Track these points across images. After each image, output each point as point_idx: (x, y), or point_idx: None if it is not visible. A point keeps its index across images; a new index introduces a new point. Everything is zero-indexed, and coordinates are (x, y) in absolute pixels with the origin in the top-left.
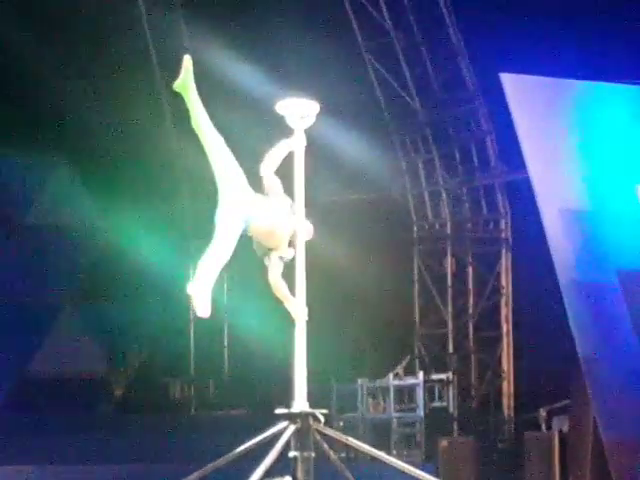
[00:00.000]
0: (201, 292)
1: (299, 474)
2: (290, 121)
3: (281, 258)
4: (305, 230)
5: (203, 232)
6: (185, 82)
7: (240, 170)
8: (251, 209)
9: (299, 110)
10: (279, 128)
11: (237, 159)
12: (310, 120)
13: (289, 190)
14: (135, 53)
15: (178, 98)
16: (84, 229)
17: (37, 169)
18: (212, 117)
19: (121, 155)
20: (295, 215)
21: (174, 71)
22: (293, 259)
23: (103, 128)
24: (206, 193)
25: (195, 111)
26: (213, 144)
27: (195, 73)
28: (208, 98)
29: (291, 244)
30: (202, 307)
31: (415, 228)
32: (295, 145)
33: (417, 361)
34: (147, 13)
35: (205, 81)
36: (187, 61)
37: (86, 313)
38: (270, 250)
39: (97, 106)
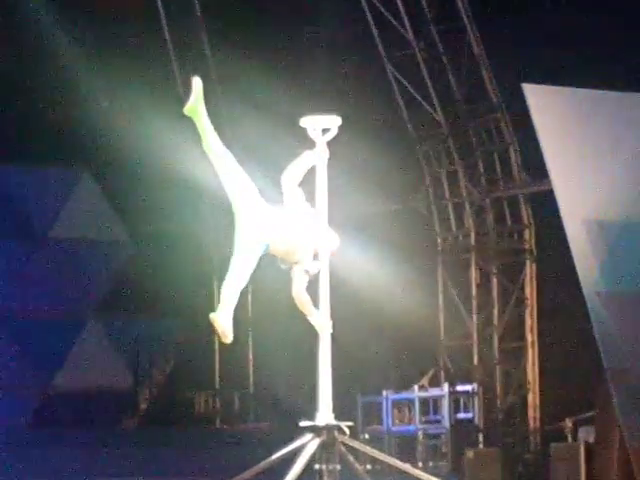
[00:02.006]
0: (224, 319)
1: None
2: (312, 134)
3: (306, 272)
4: (331, 240)
5: (226, 247)
6: (195, 105)
7: (255, 190)
8: (269, 230)
9: (321, 123)
10: (304, 141)
11: (262, 172)
12: (332, 133)
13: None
14: (160, 73)
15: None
16: (109, 242)
17: (62, 182)
18: (237, 130)
19: (146, 169)
20: (318, 227)
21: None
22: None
23: (128, 142)
24: (228, 209)
25: (206, 134)
26: (225, 166)
27: (220, 89)
28: (233, 112)
29: (316, 257)
30: (225, 333)
31: (439, 240)
32: (318, 158)
33: (442, 373)
34: (172, 41)
35: (230, 95)
36: (197, 84)
37: (111, 327)
38: (294, 264)
39: (122, 120)
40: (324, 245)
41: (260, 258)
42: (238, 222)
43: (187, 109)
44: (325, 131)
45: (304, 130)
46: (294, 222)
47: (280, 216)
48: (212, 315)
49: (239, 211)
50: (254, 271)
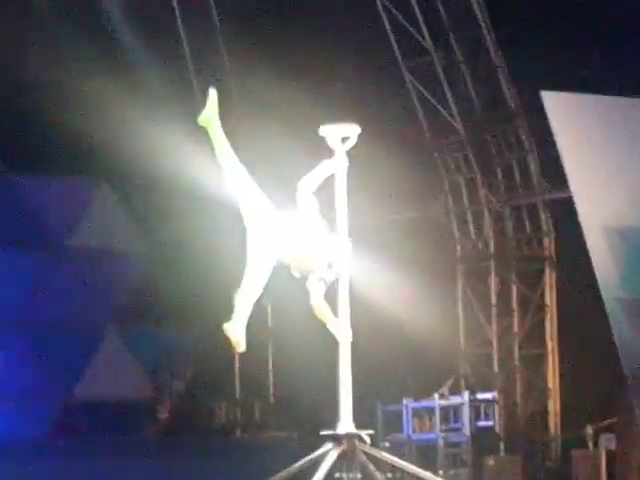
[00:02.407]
0: (237, 330)
1: None
2: (331, 143)
3: (322, 280)
4: (344, 248)
5: (245, 256)
6: (210, 116)
7: (266, 201)
8: (280, 240)
9: (340, 132)
10: (322, 150)
11: (279, 181)
12: (352, 142)
13: (332, 210)
14: (177, 82)
15: (219, 116)
16: (128, 253)
17: (80, 193)
18: (254, 139)
19: (164, 179)
20: (332, 236)
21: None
22: (335, 280)
23: (146, 152)
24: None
25: (219, 145)
26: (236, 178)
27: (238, 97)
28: (250, 120)
29: (330, 265)
30: (239, 343)
31: (458, 247)
32: (337, 166)
33: (462, 381)
34: (190, 53)
35: (247, 104)
36: (212, 95)
37: (131, 336)
38: (309, 272)
39: (140, 131)
40: (339, 253)
41: (274, 268)
42: (250, 232)
43: (201, 119)
44: (344, 140)
45: (322, 138)
46: (305, 232)
47: (291, 226)
48: (225, 325)
49: (250, 222)
50: (274, 281)
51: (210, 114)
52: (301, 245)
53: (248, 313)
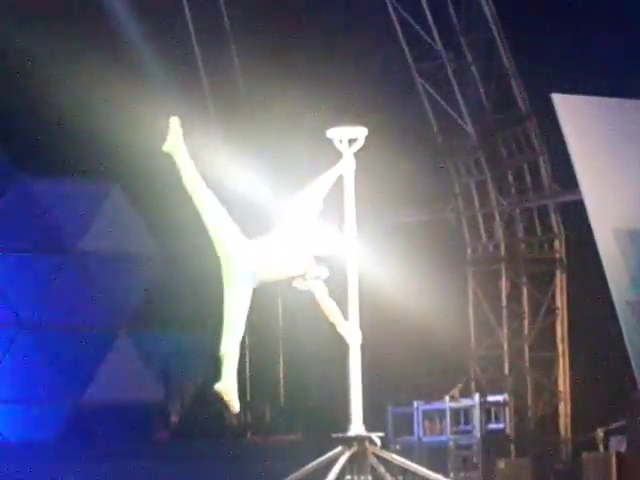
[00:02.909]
0: (229, 385)
1: None
2: (339, 145)
3: (317, 279)
4: (325, 246)
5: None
6: (174, 143)
7: (233, 225)
8: (251, 260)
9: (348, 134)
10: (330, 154)
11: (287, 186)
12: (359, 144)
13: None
14: (186, 82)
15: (229, 119)
16: (139, 256)
17: (92, 196)
18: (263, 139)
19: (175, 182)
20: (308, 235)
21: (225, 98)
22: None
23: (157, 155)
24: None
25: (185, 172)
26: (204, 204)
27: (246, 100)
28: (257, 123)
29: (318, 261)
30: (233, 403)
31: (469, 250)
32: (345, 169)
33: (473, 383)
34: (201, 52)
35: (255, 108)
36: (174, 123)
37: (142, 340)
38: (301, 278)
39: (148, 133)
40: (351, 256)
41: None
42: (222, 258)
43: (166, 147)
44: (352, 142)
45: (330, 141)
46: (276, 248)
47: (261, 246)
48: (217, 387)
49: (221, 246)
50: (284, 284)
51: (174, 141)
52: (272, 263)
53: (236, 358)
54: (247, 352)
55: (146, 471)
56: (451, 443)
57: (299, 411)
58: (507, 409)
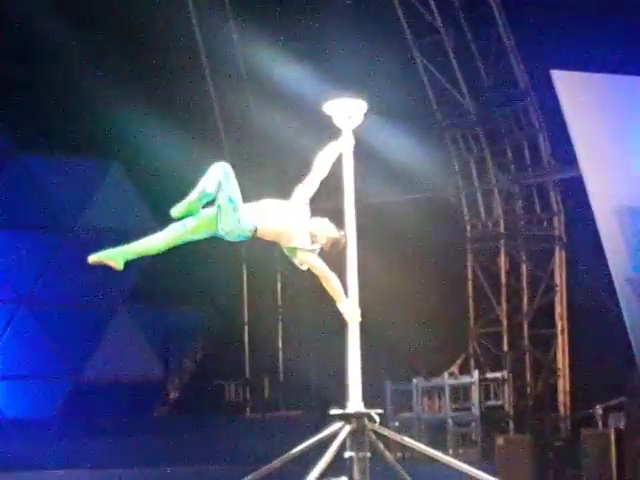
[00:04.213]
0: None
1: (355, 474)
2: (338, 121)
3: (313, 251)
4: (323, 225)
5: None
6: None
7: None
8: (259, 213)
9: (346, 110)
10: (329, 130)
11: (288, 162)
12: (358, 120)
13: (339, 190)
14: (186, 59)
15: (230, 96)
16: (139, 232)
17: (91, 172)
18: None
19: (176, 159)
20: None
21: (225, 75)
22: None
23: (156, 132)
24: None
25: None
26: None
27: (245, 74)
28: (257, 99)
29: (314, 240)
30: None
31: (468, 227)
32: (344, 145)
33: (472, 360)
34: (199, 25)
35: (255, 82)
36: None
37: (141, 316)
38: (295, 249)
39: (149, 111)
40: (349, 234)
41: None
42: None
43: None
44: (350, 118)
45: (329, 119)
46: (282, 209)
47: (269, 204)
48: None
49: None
50: (285, 260)
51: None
52: (276, 220)
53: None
54: (246, 329)
55: (145, 446)
56: (450, 420)
57: (298, 387)
58: (506, 386)
